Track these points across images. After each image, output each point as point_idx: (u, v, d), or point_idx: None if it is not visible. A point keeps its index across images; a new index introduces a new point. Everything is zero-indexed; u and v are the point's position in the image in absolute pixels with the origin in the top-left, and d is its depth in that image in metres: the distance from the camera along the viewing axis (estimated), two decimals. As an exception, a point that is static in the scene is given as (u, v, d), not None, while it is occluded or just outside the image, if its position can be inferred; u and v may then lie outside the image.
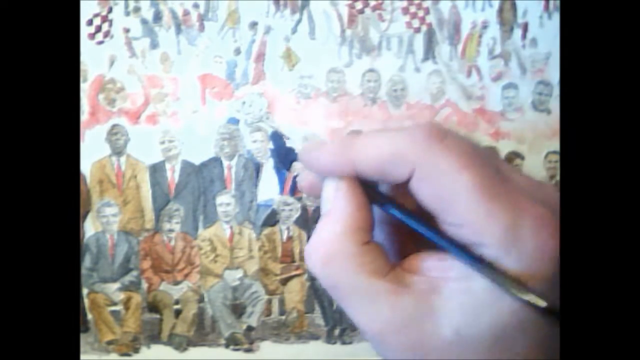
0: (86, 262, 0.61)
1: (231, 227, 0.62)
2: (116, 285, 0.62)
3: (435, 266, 0.30)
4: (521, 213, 0.28)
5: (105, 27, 0.59)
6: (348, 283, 0.29)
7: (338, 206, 0.30)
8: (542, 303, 0.26)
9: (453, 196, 0.28)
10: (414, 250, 0.32)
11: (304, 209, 0.62)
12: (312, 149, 0.32)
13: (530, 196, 0.29)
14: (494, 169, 0.29)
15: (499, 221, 0.28)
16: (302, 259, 0.63)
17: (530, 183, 0.30)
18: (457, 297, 0.28)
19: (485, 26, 0.60)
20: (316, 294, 0.63)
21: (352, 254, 0.29)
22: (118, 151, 0.60)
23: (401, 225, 0.33)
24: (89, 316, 0.62)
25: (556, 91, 0.60)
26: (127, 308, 0.62)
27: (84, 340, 0.62)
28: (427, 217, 0.30)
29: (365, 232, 0.30)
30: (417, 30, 0.60)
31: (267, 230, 0.62)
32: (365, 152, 0.30)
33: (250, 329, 0.63)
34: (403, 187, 0.30)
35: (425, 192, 0.29)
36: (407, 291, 0.29)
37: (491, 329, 0.28)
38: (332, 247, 0.29)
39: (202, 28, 0.60)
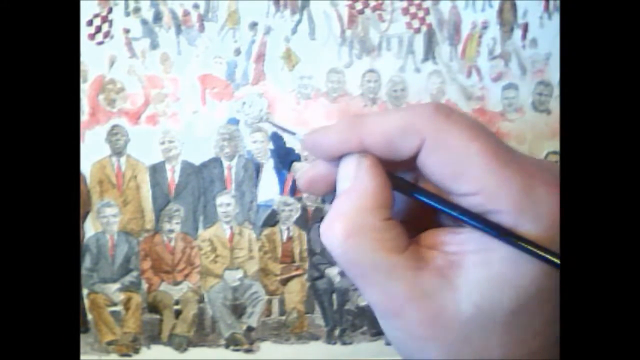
0: (86, 262, 0.61)
1: (231, 228, 0.62)
2: (116, 285, 0.62)
3: (451, 240, 0.30)
4: (533, 178, 0.29)
5: (105, 27, 0.59)
6: (368, 259, 0.29)
7: (361, 182, 0.30)
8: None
9: (465, 165, 0.29)
10: (430, 227, 0.32)
11: (304, 209, 0.62)
12: (317, 131, 0.33)
13: (536, 165, 0.30)
14: (499, 140, 0.30)
15: (513, 186, 0.28)
16: (302, 259, 0.63)
17: (532, 157, 0.31)
18: (475, 271, 0.29)
19: (485, 27, 0.60)
20: (316, 294, 0.63)
21: (374, 229, 0.29)
22: (118, 152, 0.60)
23: (416, 203, 0.34)
24: (89, 317, 0.62)
25: (556, 91, 0.60)
26: (127, 308, 0.62)
27: (84, 340, 0.62)
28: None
29: (387, 210, 0.30)
30: (417, 30, 0.60)
31: (267, 231, 0.62)
32: (374, 127, 0.30)
33: (250, 329, 0.63)
34: (408, 166, 0.31)
35: (436, 164, 0.30)
36: (426, 266, 0.30)
37: (511, 302, 0.28)
38: (354, 222, 0.30)
39: (202, 28, 0.60)
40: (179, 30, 0.60)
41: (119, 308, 0.62)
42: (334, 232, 0.30)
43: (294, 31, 0.60)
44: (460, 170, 0.29)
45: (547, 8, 0.60)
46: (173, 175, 0.61)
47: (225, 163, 0.61)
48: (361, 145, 0.30)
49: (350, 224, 0.29)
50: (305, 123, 0.60)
